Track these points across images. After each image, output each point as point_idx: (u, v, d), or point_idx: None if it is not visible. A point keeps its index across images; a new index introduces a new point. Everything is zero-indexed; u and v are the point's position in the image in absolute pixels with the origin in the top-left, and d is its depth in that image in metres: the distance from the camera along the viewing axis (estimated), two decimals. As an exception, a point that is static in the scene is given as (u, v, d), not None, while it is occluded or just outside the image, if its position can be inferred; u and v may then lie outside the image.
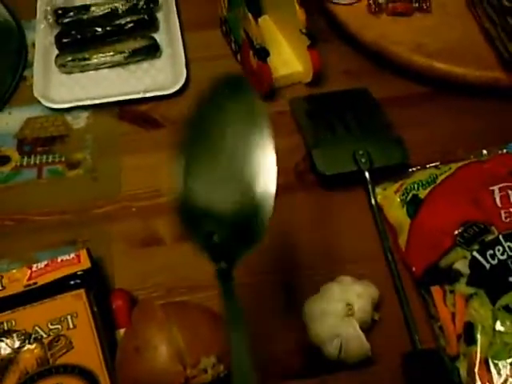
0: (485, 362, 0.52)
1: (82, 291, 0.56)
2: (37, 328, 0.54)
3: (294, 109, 0.72)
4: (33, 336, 0.54)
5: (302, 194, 0.67)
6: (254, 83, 0.75)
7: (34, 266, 0.58)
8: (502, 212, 0.59)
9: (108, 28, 0.79)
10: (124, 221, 0.65)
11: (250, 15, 0.70)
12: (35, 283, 0.57)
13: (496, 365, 0.52)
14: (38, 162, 0.70)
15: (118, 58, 0.77)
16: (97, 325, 0.54)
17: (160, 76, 0.77)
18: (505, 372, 0.52)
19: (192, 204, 0.47)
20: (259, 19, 0.77)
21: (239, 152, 0.48)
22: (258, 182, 0.47)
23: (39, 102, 0.74)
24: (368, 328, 0.56)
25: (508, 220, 0.58)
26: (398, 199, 0.64)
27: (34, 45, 0.80)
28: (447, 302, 0.56)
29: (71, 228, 0.65)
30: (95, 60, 0.77)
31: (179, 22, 0.81)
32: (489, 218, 0.59)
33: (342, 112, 0.70)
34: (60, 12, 0.80)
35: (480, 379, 0.52)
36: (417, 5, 0.78)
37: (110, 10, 0.81)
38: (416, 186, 0.63)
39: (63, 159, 0.70)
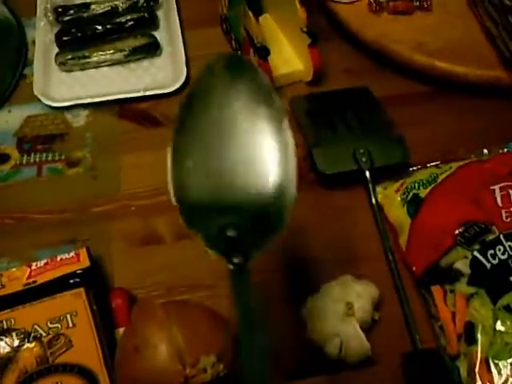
0: (485, 362, 0.52)
1: (81, 290, 0.56)
2: (36, 327, 0.54)
3: (295, 108, 0.72)
4: (32, 335, 0.53)
5: (302, 193, 0.66)
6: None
7: (34, 264, 0.58)
8: (503, 211, 0.59)
9: (108, 26, 0.79)
10: (124, 219, 0.65)
11: (250, 13, 0.70)
12: (35, 282, 0.57)
13: (496, 365, 0.52)
14: (37, 160, 0.70)
15: (118, 56, 0.77)
16: (96, 324, 0.54)
17: (160, 74, 0.77)
18: (505, 372, 0.52)
19: (197, 197, 0.43)
20: (260, 17, 0.77)
21: (249, 134, 0.44)
22: (277, 164, 0.43)
23: (39, 100, 0.74)
24: (368, 327, 0.56)
25: (509, 219, 0.58)
26: (399, 198, 0.63)
27: (34, 43, 0.80)
28: (448, 302, 0.56)
29: (71, 226, 0.65)
30: (95, 58, 0.77)
31: (179, 20, 0.80)
32: (490, 218, 0.59)
33: (343, 111, 0.70)
34: (60, 10, 0.80)
35: (480, 379, 0.52)
36: (418, 3, 0.78)
37: (110, 7, 0.80)
38: (417, 185, 0.63)
39: (63, 157, 0.70)
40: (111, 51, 0.77)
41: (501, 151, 0.67)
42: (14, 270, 0.58)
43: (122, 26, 0.79)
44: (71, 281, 0.57)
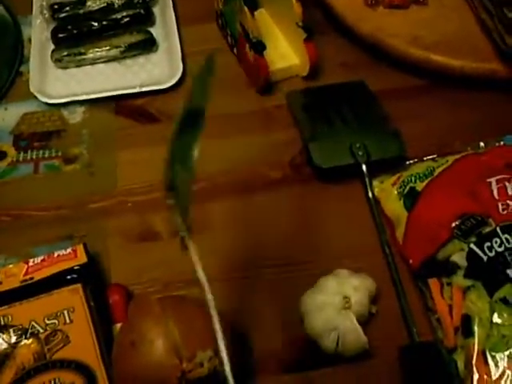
0: (482, 354, 0.52)
1: (78, 286, 0.56)
2: (33, 323, 0.54)
3: (291, 102, 0.72)
4: (29, 331, 0.54)
5: (298, 187, 0.67)
6: (251, 77, 0.75)
7: (31, 261, 0.58)
8: (499, 204, 0.59)
9: (104, 22, 0.79)
10: (120, 215, 0.65)
11: (246, 8, 0.70)
12: (32, 278, 0.57)
13: (493, 357, 0.52)
14: (34, 157, 0.70)
15: (114, 52, 0.77)
16: (93, 319, 0.54)
17: (156, 70, 0.77)
18: (502, 364, 0.52)
19: None
20: (255, 12, 0.77)
21: None
22: None
23: (35, 97, 0.74)
24: (365, 321, 0.56)
25: (505, 212, 0.58)
26: (395, 192, 0.63)
27: (30, 40, 0.80)
28: (444, 295, 0.56)
29: (68, 223, 0.64)
30: (91, 55, 0.77)
31: (175, 15, 0.80)
32: (486, 210, 0.59)
33: (339, 105, 0.70)
34: (56, 7, 0.80)
35: (478, 371, 0.52)
36: (413, -3, 0.78)
37: (105, 4, 0.80)
38: (413, 178, 0.63)
39: (60, 154, 0.70)
40: (107, 48, 0.77)
41: (497, 144, 0.67)
42: (11, 266, 0.58)
43: (118, 23, 0.79)
44: (68, 277, 0.57)
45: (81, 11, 0.80)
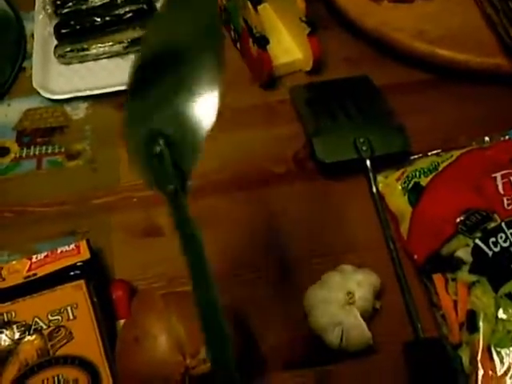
0: (487, 350, 0.52)
1: (81, 282, 0.56)
2: (37, 319, 0.54)
3: (294, 97, 0.72)
4: (33, 327, 0.54)
5: (302, 182, 0.66)
6: (254, 71, 0.74)
7: (34, 257, 0.58)
8: (505, 199, 0.59)
9: (107, 18, 0.78)
10: (124, 211, 0.65)
11: (249, 3, 0.70)
12: (35, 274, 0.57)
13: (499, 353, 0.52)
14: (37, 153, 0.70)
15: (117, 47, 0.77)
16: (97, 315, 0.54)
17: (159, 65, 0.77)
18: (508, 360, 0.51)
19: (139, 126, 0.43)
20: (258, 7, 0.76)
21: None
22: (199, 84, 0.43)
23: (38, 93, 0.74)
24: (369, 316, 0.56)
25: (510, 207, 0.58)
26: (400, 187, 0.63)
27: (32, 36, 0.79)
28: (449, 290, 0.56)
29: (71, 219, 0.64)
30: (94, 50, 0.77)
31: (178, 10, 0.80)
32: (491, 206, 0.58)
33: (343, 100, 0.69)
34: (59, 2, 0.80)
35: (483, 367, 0.52)
36: (418, -9, 0.77)
37: (108, -1, 0.80)
38: (418, 173, 0.63)
39: (63, 150, 0.70)
40: (110, 43, 0.77)
41: (502, 138, 0.66)
42: (14, 262, 0.58)
43: (121, 18, 0.79)
44: (71, 273, 0.57)
45: (84, 7, 0.80)
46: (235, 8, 0.74)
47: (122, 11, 0.79)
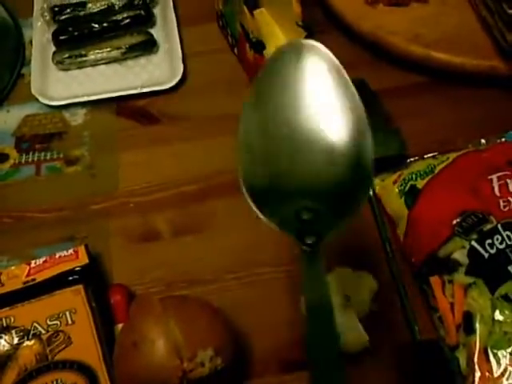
0: (484, 352, 0.52)
1: (80, 287, 0.56)
2: (35, 324, 0.54)
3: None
4: (31, 332, 0.54)
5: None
6: (251, 76, 0.74)
7: (33, 262, 0.59)
8: (501, 201, 0.59)
9: (105, 24, 0.79)
10: (122, 216, 0.65)
11: (245, 8, 0.70)
12: (34, 280, 0.57)
13: (495, 354, 0.52)
14: (36, 159, 0.70)
15: (115, 53, 0.77)
16: (95, 320, 0.55)
17: (157, 71, 0.77)
18: (504, 361, 0.51)
19: (267, 182, 0.42)
20: (255, 12, 0.76)
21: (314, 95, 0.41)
22: (348, 133, 0.41)
23: (37, 99, 0.74)
24: (366, 319, 0.56)
25: (506, 209, 0.58)
26: (396, 190, 0.63)
27: (31, 42, 0.80)
28: (446, 292, 0.56)
29: (69, 224, 0.65)
30: (92, 56, 0.77)
31: (176, 16, 0.80)
32: (487, 208, 0.58)
33: (339, 103, 0.70)
34: (56, 9, 0.80)
35: (479, 369, 0.52)
36: (414, -5, 0.77)
37: (106, 6, 0.80)
38: (414, 176, 0.63)
39: (61, 156, 0.70)
40: (108, 49, 0.77)
41: (498, 141, 0.66)
42: (13, 268, 0.59)
43: (119, 24, 0.79)
44: (70, 278, 0.57)
45: (81, 13, 0.80)
46: (232, 13, 0.74)
47: (119, 17, 0.79)
